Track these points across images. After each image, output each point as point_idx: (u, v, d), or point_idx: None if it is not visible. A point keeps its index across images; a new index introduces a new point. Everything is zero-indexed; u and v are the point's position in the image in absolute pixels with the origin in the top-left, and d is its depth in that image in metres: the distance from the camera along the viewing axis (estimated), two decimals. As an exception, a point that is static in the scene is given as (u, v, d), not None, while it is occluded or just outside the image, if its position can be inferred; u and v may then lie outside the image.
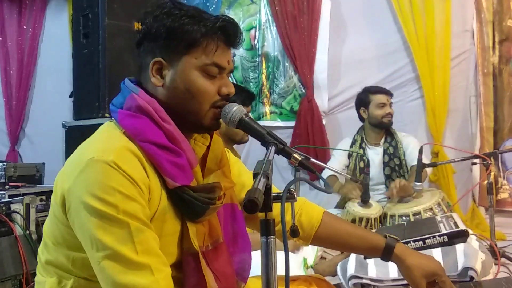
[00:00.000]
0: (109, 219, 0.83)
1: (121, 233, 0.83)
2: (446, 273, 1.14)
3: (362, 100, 2.76)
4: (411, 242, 1.73)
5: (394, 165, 2.69)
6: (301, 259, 1.87)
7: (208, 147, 1.05)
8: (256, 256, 0.94)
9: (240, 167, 1.23)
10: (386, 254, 1.14)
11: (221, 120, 1.01)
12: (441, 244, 1.69)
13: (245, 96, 2.07)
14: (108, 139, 0.93)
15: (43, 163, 3.10)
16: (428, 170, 2.57)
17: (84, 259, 0.88)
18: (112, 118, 1.00)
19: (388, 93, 2.75)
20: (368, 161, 2.73)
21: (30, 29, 4.32)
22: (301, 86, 3.48)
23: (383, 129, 2.73)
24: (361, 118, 2.81)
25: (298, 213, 1.21)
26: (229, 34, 0.98)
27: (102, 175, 0.84)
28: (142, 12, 1.00)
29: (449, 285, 1.11)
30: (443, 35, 3.07)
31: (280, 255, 0.78)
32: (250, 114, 1.03)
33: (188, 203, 0.93)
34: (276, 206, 0.81)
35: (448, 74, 3.09)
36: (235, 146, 2.22)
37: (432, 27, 3.07)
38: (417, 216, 2.19)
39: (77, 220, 0.86)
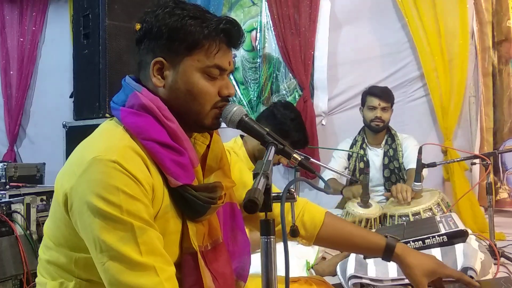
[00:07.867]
0: (112, 219, 0.82)
1: (124, 234, 0.83)
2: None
3: (362, 99, 2.76)
4: (411, 242, 1.72)
5: (394, 168, 2.69)
6: (304, 262, 1.86)
7: (208, 146, 1.05)
8: (256, 256, 0.94)
9: (241, 167, 1.23)
10: (387, 253, 1.16)
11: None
12: (441, 244, 1.69)
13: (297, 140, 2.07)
14: (110, 138, 0.92)
15: (44, 163, 3.12)
16: (424, 171, 2.55)
17: (87, 259, 0.88)
18: (113, 117, 0.99)
19: (382, 97, 2.63)
20: (368, 161, 2.73)
21: (32, 29, 4.33)
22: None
23: (376, 132, 2.70)
24: None
25: (300, 213, 1.21)
26: (231, 36, 0.98)
27: (105, 175, 0.83)
28: (143, 10, 0.99)
29: (457, 274, 1.15)
30: (460, 31, 3.01)
31: (280, 255, 0.78)
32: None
33: (189, 202, 0.93)
34: (276, 207, 0.81)
35: (466, 72, 3.02)
36: None
37: (443, 24, 3.01)
38: (417, 216, 2.18)
39: (80, 220, 0.85)
